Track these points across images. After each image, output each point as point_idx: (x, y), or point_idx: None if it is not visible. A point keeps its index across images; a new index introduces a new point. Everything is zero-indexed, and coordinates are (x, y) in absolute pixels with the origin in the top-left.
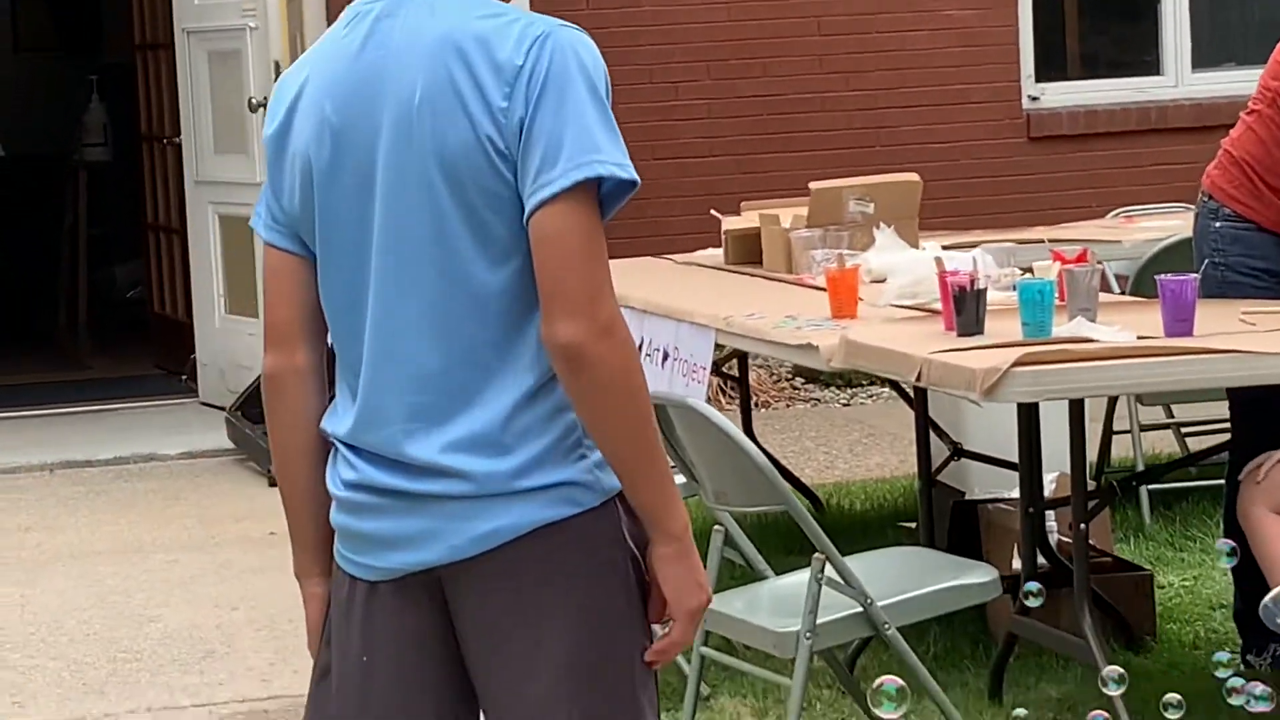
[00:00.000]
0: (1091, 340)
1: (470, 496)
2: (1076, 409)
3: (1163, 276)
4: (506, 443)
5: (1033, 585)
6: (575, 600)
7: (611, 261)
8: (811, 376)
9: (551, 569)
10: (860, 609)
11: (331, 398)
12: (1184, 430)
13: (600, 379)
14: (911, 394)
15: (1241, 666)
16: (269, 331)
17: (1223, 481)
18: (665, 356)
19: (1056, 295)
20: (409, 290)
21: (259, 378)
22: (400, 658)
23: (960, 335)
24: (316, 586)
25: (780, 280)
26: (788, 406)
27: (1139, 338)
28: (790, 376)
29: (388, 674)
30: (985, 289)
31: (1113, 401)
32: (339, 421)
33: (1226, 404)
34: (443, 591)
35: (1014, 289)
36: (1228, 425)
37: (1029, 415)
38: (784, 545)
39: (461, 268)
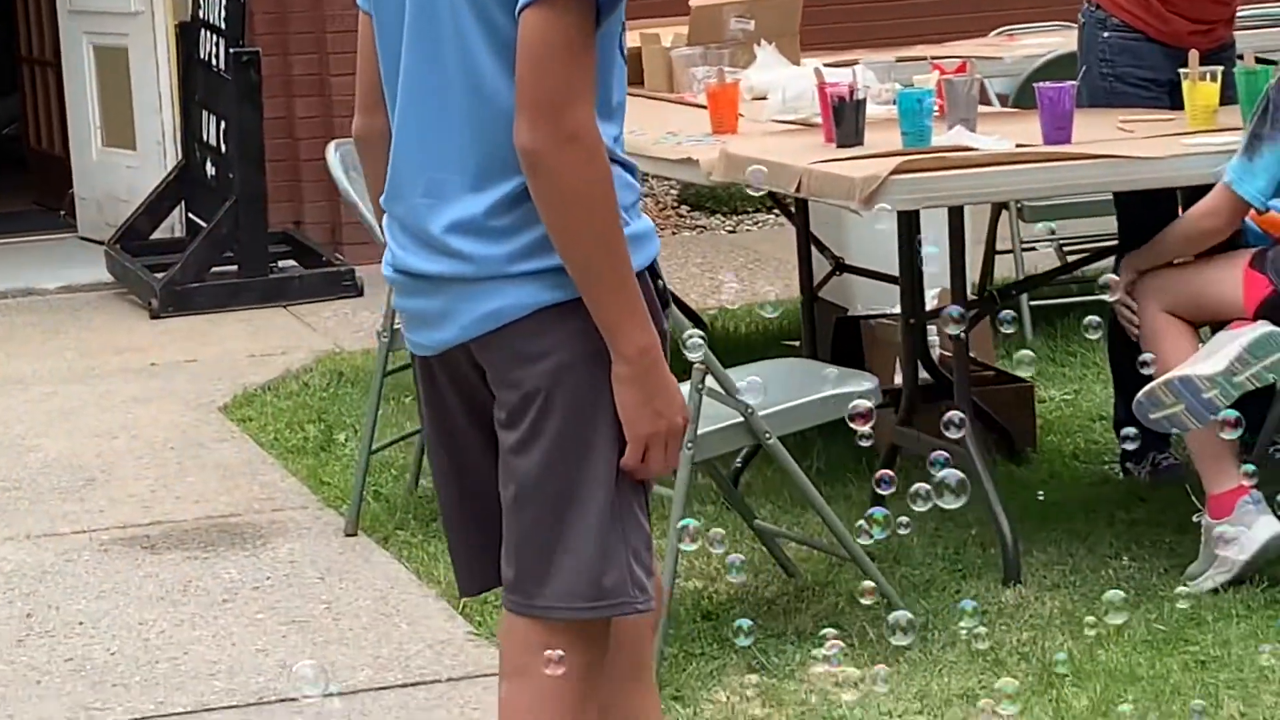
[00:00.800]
0: (970, 149)
1: (472, 279)
2: (956, 217)
3: (1041, 84)
4: (502, 228)
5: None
6: (570, 382)
7: None
8: (697, 204)
9: (549, 349)
10: (741, 419)
11: None
12: (1065, 247)
13: (556, 187)
14: (794, 210)
15: None
16: (358, 95)
17: (1102, 298)
18: None
19: (936, 105)
20: (431, 70)
21: (137, 210)
22: (449, 423)
23: (840, 146)
24: None
25: (661, 99)
26: (674, 234)
27: (1017, 145)
28: (677, 204)
29: (441, 438)
30: (865, 100)
31: (994, 219)
32: (384, 196)
33: (1106, 220)
34: (479, 371)
35: (894, 102)
36: (1109, 242)
37: (909, 225)
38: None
39: (473, 60)
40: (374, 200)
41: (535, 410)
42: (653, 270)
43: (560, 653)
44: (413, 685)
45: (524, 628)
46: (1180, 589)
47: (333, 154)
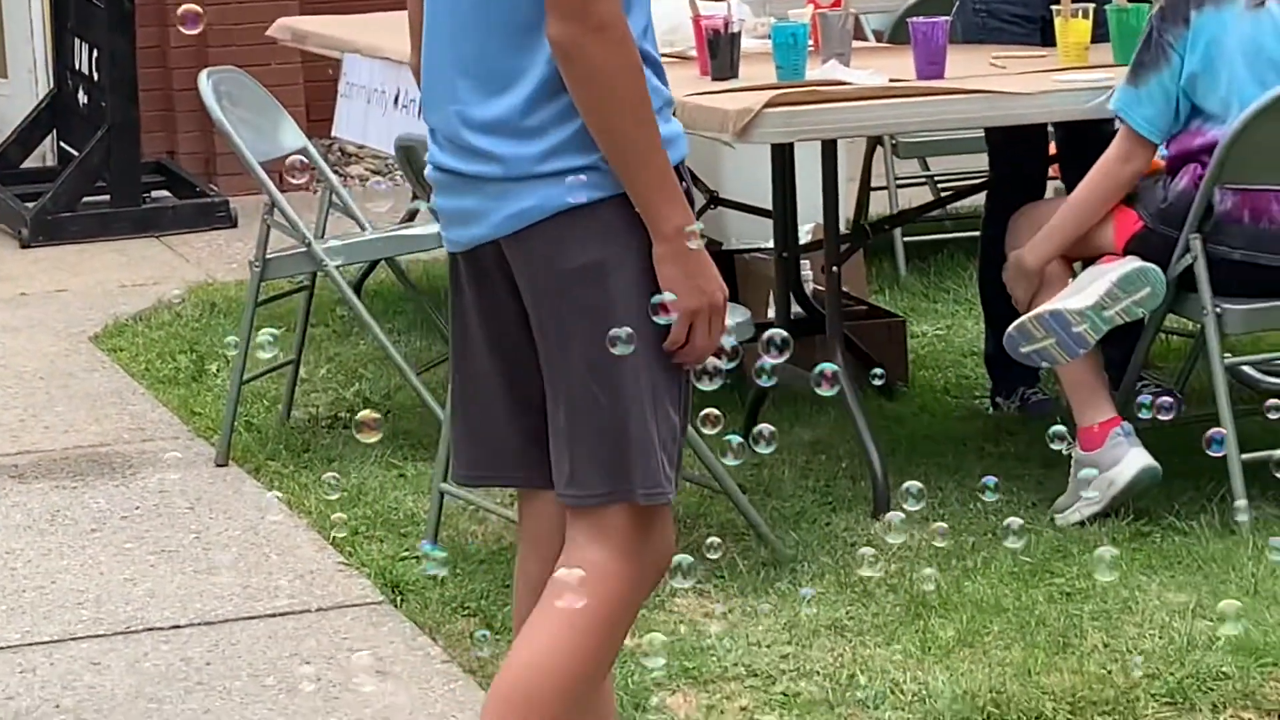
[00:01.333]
0: (844, 83)
1: (502, 179)
2: (829, 152)
3: (915, 20)
4: (531, 128)
5: (777, 334)
6: (599, 278)
7: (368, 15)
8: None
9: (576, 249)
10: None
11: None
12: (939, 184)
13: (589, 76)
14: None
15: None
16: (410, 33)
17: (974, 234)
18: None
19: (810, 40)
20: None
21: (8, 138)
22: (479, 319)
23: (715, 79)
24: None
25: None
26: None
27: (891, 80)
28: None
29: (471, 332)
30: (739, 33)
31: (869, 155)
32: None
33: (979, 157)
34: (505, 266)
35: (768, 36)
36: (981, 179)
37: (783, 158)
38: None
39: None
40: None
41: (567, 308)
42: (678, 173)
43: (597, 545)
44: (282, 615)
45: (567, 517)
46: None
47: (205, 83)
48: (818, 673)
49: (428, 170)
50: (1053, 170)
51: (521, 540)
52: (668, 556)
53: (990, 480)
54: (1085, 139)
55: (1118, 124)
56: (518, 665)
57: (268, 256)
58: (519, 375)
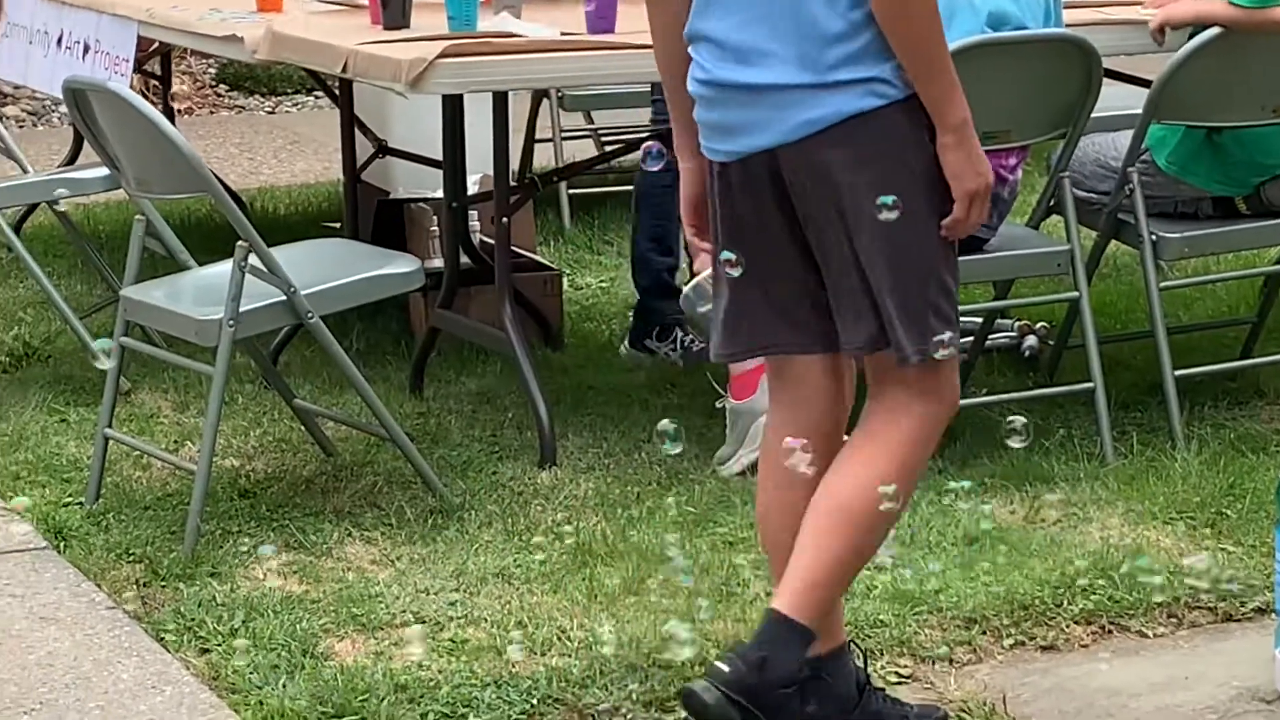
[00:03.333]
0: (517, 35)
1: (792, 86)
2: (500, 102)
3: None
4: (827, 38)
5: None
6: (882, 180)
7: None
8: (235, 84)
9: (861, 152)
10: (284, 297)
11: None
12: (603, 137)
13: None
14: (338, 92)
15: None
16: None
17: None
18: (86, 49)
19: None
20: None
21: None
22: (738, 221)
23: (387, 29)
24: (689, 161)
25: None
26: (212, 113)
27: (562, 34)
28: (215, 83)
29: (747, 232)
30: None
31: (535, 107)
32: (694, 20)
33: (642, 111)
34: (777, 171)
35: None
36: (644, 132)
37: (454, 109)
38: (209, 246)
39: None
40: (667, 43)
41: (865, 197)
42: None
43: (903, 388)
44: None
45: (871, 371)
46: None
47: None
48: (485, 619)
49: (692, 87)
50: None
51: (778, 409)
52: (956, 397)
53: (669, 427)
54: None
55: None
56: (837, 485)
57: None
58: (782, 263)
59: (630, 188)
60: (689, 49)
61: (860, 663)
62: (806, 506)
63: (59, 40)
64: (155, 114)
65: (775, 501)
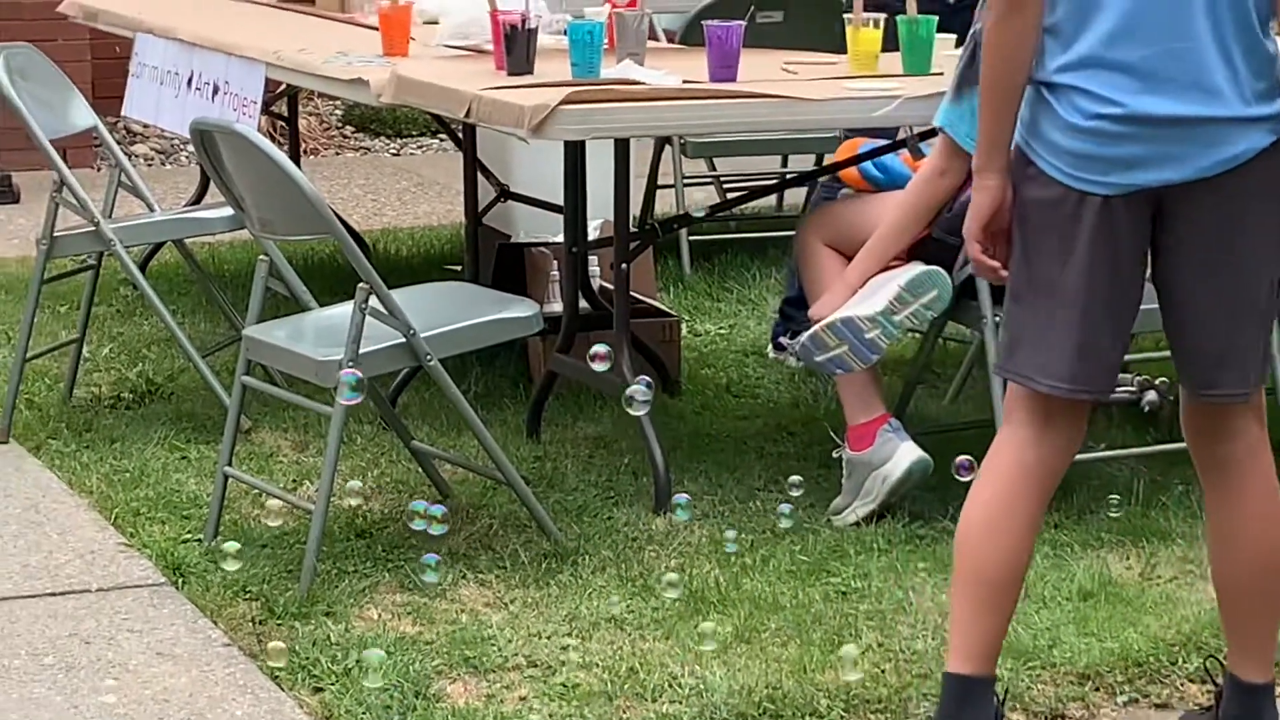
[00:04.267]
0: (639, 83)
1: (1224, 120)
2: (622, 150)
3: (710, 23)
4: (1257, 75)
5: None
6: (1263, 210)
7: None
8: (361, 125)
9: (1262, 187)
10: (403, 340)
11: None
12: (725, 184)
13: None
14: (461, 136)
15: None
16: None
17: (760, 234)
18: (216, 91)
19: (606, 38)
20: None
21: None
22: (1116, 257)
23: (510, 74)
24: (993, 179)
25: (332, 19)
26: (337, 154)
27: (684, 82)
28: (341, 125)
29: (1122, 266)
30: (536, 29)
31: (657, 153)
32: (1091, 45)
33: (766, 159)
34: (1160, 206)
35: (565, 32)
36: (766, 180)
37: (576, 155)
38: (330, 286)
39: None
40: (1018, 51)
41: (1256, 233)
42: None
43: (1257, 423)
44: (62, 594)
45: (1229, 415)
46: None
47: None
48: (597, 665)
49: (1088, 124)
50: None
51: (1032, 446)
52: None
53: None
54: None
55: (936, 137)
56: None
57: (55, 234)
58: (1126, 300)
59: (751, 235)
60: (1062, 75)
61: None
62: (1022, 540)
63: (189, 81)
64: (280, 156)
65: (989, 524)
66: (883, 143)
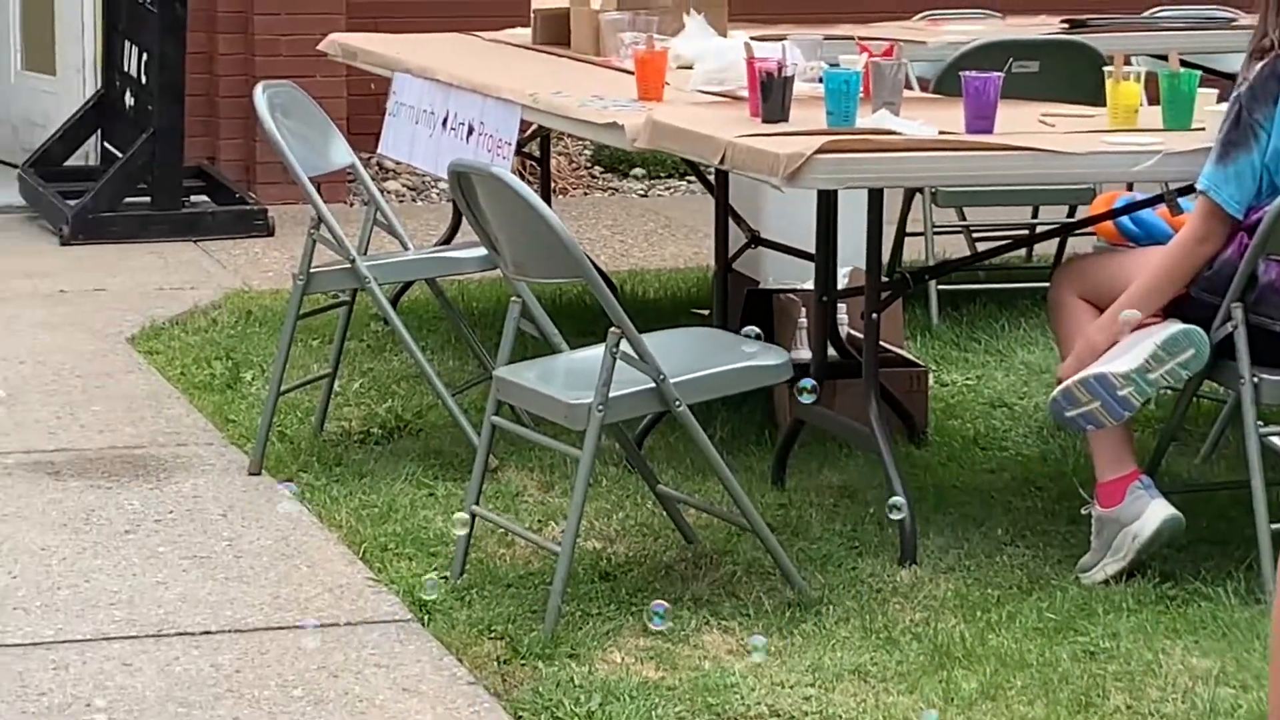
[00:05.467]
0: (894, 132)
1: None
2: (875, 200)
3: (967, 73)
4: None
5: (807, 381)
6: None
7: (417, 35)
8: (611, 166)
9: None
10: (653, 385)
11: None
12: (975, 234)
13: None
14: (712, 181)
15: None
16: None
17: (1008, 285)
18: (471, 131)
19: (862, 87)
20: None
21: (53, 135)
22: None
23: (765, 121)
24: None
25: (587, 62)
26: (586, 194)
27: (940, 133)
28: (590, 165)
29: None
30: (792, 77)
31: (907, 202)
32: None
33: (1015, 209)
34: None
35: (820, 80)
36: (1019, 232)
37: (828, 203)
38: (579, 327)
39: None
40: None
41: None
42: None
43: None
44: (311, 627)
45: None
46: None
47: (260, 96)
48: (840, 717)
49: None
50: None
51: None
52: None
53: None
54: None
55: (1196, 200)
56: None
57: (311, 270)
58: None
59: (1000, 285)
60: None
61: None
62: None
63: (444, 121)
64: (536, 200)
65: None
66: (1141, 196)
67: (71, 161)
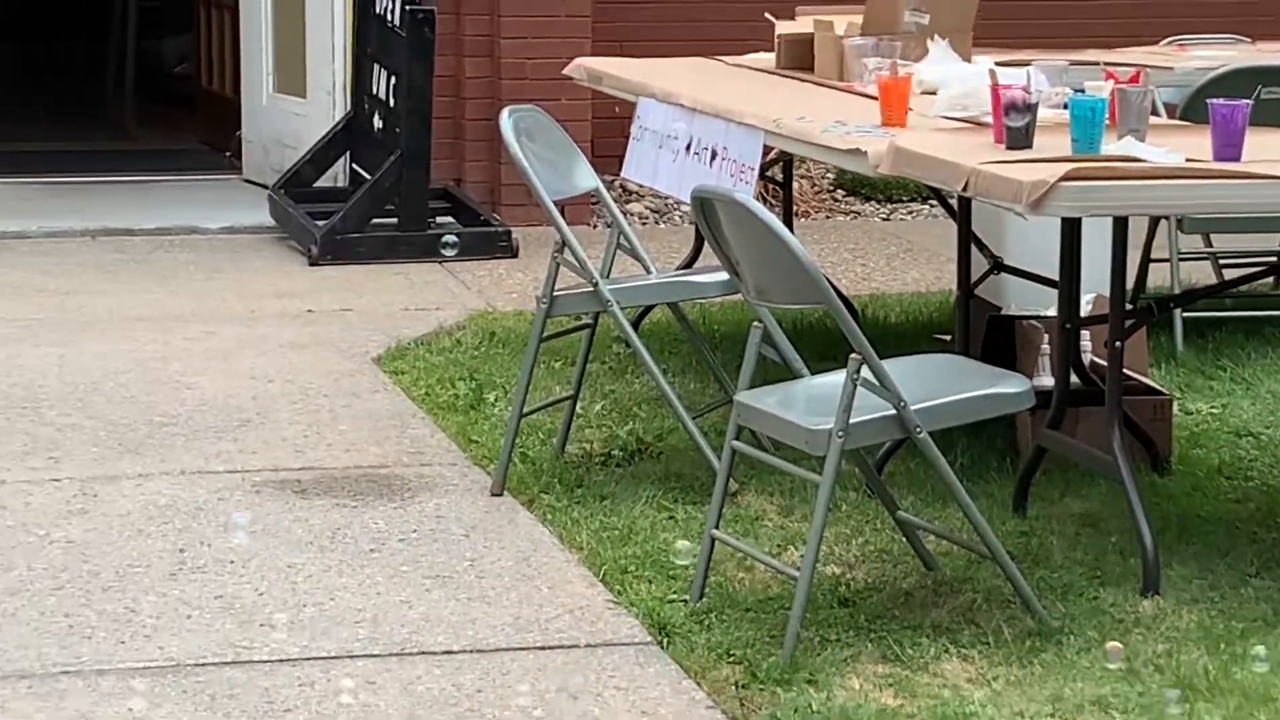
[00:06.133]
0: (1140, 160)
1: None
2: (1120, 227)
3: (1215, 100)
4: None
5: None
6: None
7: (662, 60)
8: (852, 189)
9: None
10: (894, 411)
11: None
12: (1221, 261)
13: None
14: (955, 206)
15: None
16: None
17: (1255, 313)
18: (714, 156)
19: (1108, 114)
20: None
21: (303, 157)
22: None
23: (1009, 148)
24: None
25: (831, 87)
26: (827, 218)
27: (1187, 160)
28: (832, 189)
29: None
30: (1037, 103)
31: (1153, 228)
32: None
33: (1264, 236)
34: None
35: (1065, 106)
36: (1265, 257)
37: (1072, 231)
38: (819, 351)
39: None
40: None
41: None
42: None
43: None
44: (551, 648)
45: None
46: None
47: (506, 121)
48: None
49: None
50: None
51: None
52: None
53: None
54: None
55: None
56: None
57: (555, 293)
58: None
59: (1248, 313)
60: None
61: None
62: None
63: (688, 146)
64: (779, 227)
65: None
66: None
67: (320, 183)
